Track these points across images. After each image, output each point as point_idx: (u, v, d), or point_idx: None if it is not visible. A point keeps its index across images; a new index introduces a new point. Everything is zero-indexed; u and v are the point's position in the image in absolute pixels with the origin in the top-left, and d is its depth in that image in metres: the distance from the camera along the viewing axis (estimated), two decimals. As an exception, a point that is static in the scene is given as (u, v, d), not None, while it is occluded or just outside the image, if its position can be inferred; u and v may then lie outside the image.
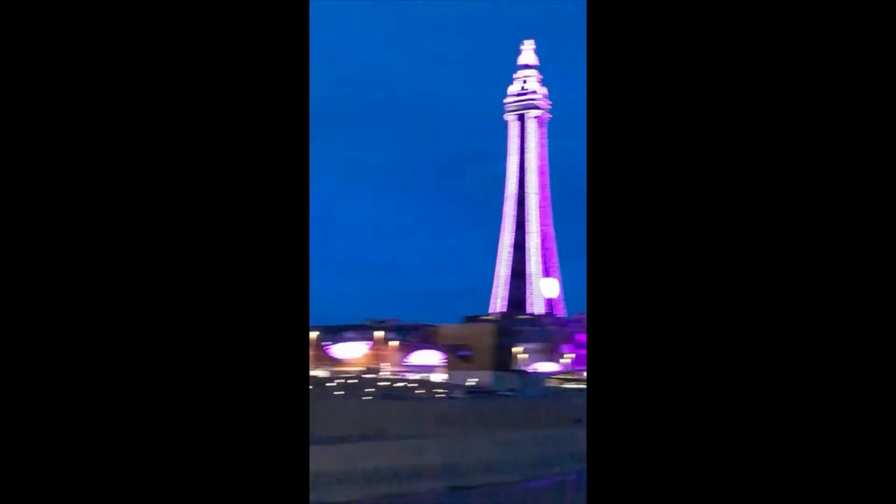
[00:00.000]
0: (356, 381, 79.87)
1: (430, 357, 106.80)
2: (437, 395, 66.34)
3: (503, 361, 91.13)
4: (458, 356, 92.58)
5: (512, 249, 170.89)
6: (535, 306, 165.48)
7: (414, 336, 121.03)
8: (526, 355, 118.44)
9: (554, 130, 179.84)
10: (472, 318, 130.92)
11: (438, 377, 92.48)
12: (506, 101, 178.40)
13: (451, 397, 64.51)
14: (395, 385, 65.37)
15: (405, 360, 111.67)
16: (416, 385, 72.85)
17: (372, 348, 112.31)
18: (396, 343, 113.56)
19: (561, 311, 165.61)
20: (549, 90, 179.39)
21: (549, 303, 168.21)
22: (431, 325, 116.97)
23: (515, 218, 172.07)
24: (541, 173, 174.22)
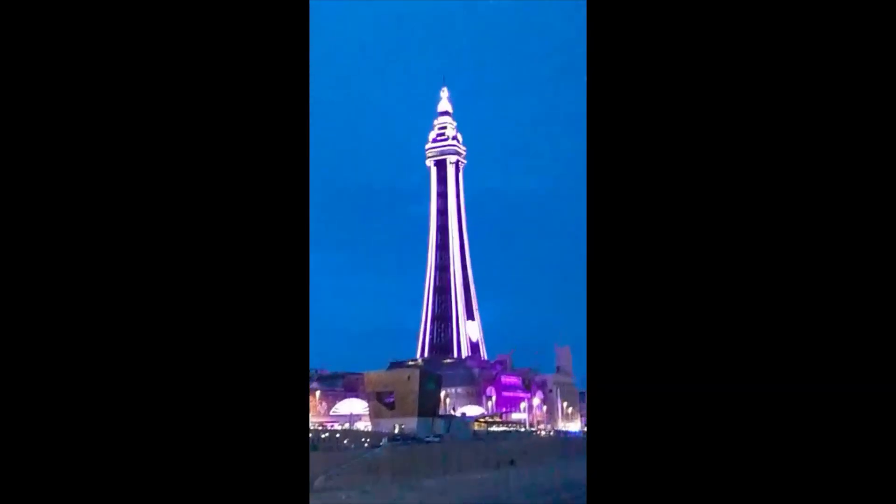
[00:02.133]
0: (280, 433, 76.76)
1: (355, 405, 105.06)
2: (364, 445, 65.47)
3: (429, 406, 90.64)
4: (384, 403, 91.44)
5: (435, 292, 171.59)
6: (460, 349, 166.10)
7: (339, 385, 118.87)
8: (451, 399, 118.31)
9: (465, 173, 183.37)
10: (398, 364, 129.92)
11: (364, 425, 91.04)
12: (426, 147, 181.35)
13: (375, 446, 63.77)
14: (321, 436, 64.21)
15: (331, 409, 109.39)
16: (341, 435, 71.58)
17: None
18: (321, 393, 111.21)
19: (483, 354, 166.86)
20: (462, 135, 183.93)
21: (473, 345, 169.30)
22: (356, 374, 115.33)
23: (437, 261, 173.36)
24: (459, 217, 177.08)
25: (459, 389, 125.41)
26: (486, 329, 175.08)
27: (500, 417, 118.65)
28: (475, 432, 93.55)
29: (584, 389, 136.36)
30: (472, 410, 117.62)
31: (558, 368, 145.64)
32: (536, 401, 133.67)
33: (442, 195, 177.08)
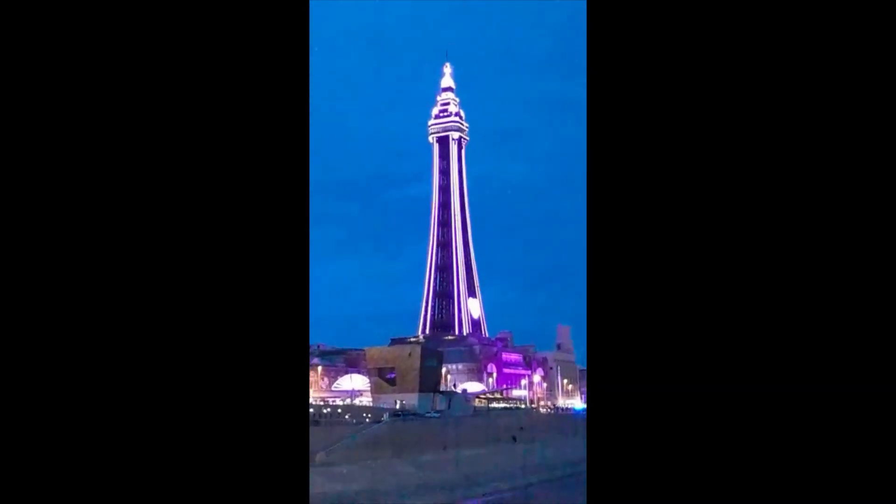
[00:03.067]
0: (282, 408, 77.34)
1: (357, 381, 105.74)
2: (365, 420, 66.10)
3: (430, 382, 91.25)
4: (385, 379, 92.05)
5: (437, 270, 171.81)
6: (461, 326, 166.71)
7: (340, 360, 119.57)
8: (452, 375, 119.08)
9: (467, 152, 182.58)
10: (399, 340, 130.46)
11: (365, 401, 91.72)
12: (429, 123, 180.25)
13: (376, 421, 64.36)
14: (322, 411, 64.80)
15: (333, 385, 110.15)
16: (342, 410, 72.17)
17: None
18: (322, 368, 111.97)
19: (485, 331, 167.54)
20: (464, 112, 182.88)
21: (474, 322, 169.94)
22: (358, 349, 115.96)
23: (439, 239, 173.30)
24: (461, 195, 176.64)
25: (460, 366, 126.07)
26: (487, 307, 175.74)
27: (501, 394, 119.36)
28: (475, 409, 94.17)
29: (585, 367, 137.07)
30: (473, 387, 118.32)
31: (559, 346, 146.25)
32: (537, 378, 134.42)
33: (444, 172, 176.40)
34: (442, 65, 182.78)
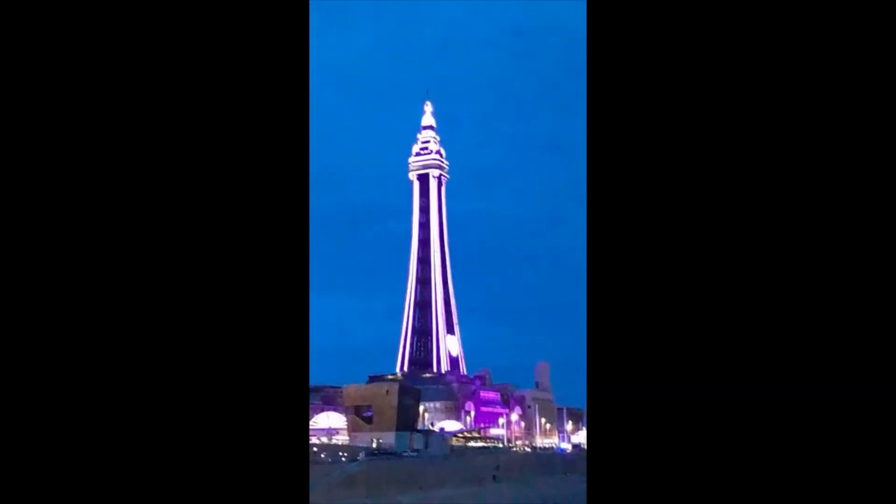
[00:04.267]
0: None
1: (333, 419, 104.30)
2: (341, 459, 64.96)
3: (408, 421, 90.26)
4: (362, 417, 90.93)
5: (416, 307, 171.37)
6: (440, 364, 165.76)
7: (317, 398, 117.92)
8: (430, 414, 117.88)
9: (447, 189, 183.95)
10: (377, 378, 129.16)
11: (342, 439, 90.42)
12: (409, 160, 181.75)
13: (353, 461, 63.35)
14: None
15: (310, 423, 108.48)
16: (318, 449, 70.91)
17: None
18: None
19: (463, 368, 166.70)
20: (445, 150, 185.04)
21: (452, 360, 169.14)
22: (335, 387, 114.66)
23: (418, 275, 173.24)
24: (441, 232, 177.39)
25: (438, 404, 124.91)
26: (466, 344, 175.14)
27: (479, 433, 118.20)
28: (453, 447, 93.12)
29: (562, 406, 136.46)
30: (451, 425, 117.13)
31: (537, 384, 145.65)
32: (515, 416, 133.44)
33: (424, 209, 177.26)
34: (423, 102, 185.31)
